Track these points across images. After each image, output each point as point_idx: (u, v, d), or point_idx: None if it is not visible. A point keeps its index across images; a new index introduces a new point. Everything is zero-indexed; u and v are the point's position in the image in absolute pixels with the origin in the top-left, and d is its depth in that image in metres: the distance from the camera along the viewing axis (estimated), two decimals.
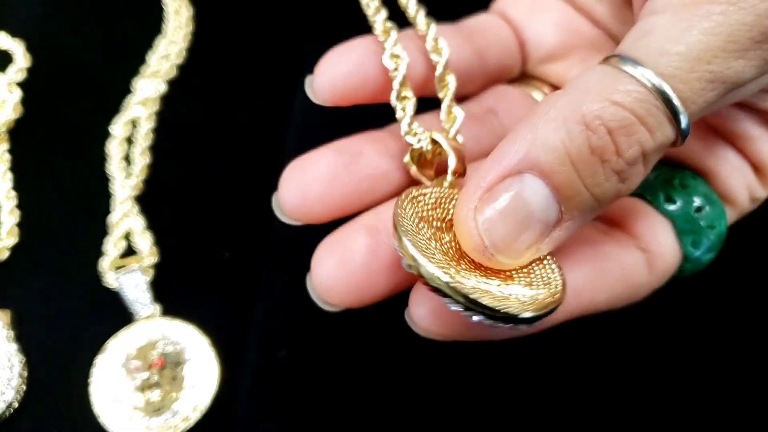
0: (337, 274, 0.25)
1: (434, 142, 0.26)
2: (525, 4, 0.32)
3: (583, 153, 0.21)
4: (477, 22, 0.31)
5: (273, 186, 0.27)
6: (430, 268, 0.22)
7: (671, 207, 0.27)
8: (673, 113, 0.22)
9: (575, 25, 0.31)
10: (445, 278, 0.22)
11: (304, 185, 0.26)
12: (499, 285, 0.23)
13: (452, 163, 0.26)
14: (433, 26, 0.29)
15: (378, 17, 0.28)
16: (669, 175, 0.28)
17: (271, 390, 0.33)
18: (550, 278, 0.23)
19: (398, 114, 0.27)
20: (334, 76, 0.26)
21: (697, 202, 0.27)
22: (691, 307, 0.34)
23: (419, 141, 0.26)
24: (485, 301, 0.21)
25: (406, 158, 0.27)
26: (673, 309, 0.34)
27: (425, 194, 0.25)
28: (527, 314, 0.22)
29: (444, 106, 0.28)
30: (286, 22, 0.43)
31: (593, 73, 0.22)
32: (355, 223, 0.26)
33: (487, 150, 0.24)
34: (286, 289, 0.35)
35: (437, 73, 0.28)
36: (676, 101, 0.21)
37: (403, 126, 0.27)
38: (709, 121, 0.28)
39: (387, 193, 0.27)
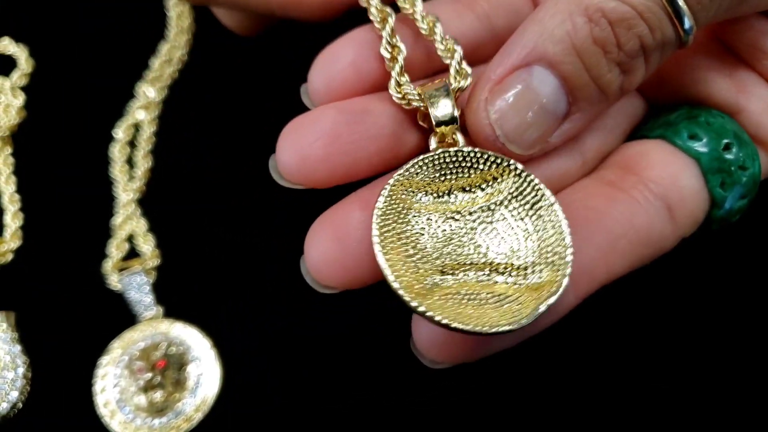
0: (332, 253, 0.23)
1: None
2: None
3: (587, 44, 0.22)
4: None
5: (278, 191, 0.26)
6: (403, 294, 0.22)
7: (696, 145, 0.25)
8: (676, 12, 0.22)
9: None
10: (419, 307, 0.21)
11: (304, 145, 0.23)
12: (488, 277, 0.23)
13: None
14: (419, 3, 0.26)
15: (373, 1, 0.26)
16: (692, 113, 0.26)
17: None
18: (554, 263, 0.23)
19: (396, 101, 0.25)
20: (328, 78, 0.25)
21: (726, 139, 0.25)
22: (690, 304, 0.35)
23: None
24: (456, 325, 0.21)
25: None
26: (672, 307, 0.34)
27: (429, 161, 0.24)
28: (503, 327, 0.21)
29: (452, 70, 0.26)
30: (289, 23, 0.43)
31: None
32: (349, 199, 0.24)
33: None
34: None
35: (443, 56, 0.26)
36: (680, 2, 0.22)
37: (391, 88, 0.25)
38: (737, 43, 0.26)
39: (398, 155, 0.25)
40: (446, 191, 0.24)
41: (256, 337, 0.34)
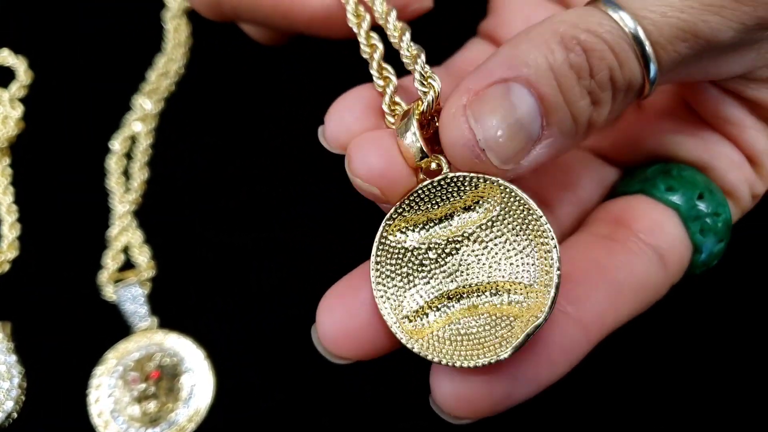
0: (344, 325, 0.23)
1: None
2: (516, 23, 0.31)
3: (564, 67, 0.22)
4: (465, 57, 0.31)
5: (272, 202, 0.26)
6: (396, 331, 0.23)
7: (673, 196, 0.27)
8: (644, 58, 0.23)
9: None
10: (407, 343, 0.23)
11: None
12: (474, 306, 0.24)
13: None
14: (423, 62, 0.27)
15: (374, 65, 0.27)
16: (665, 168, 0.28)
17: None
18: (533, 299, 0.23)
19: None
20: (347, 123, 0.25)
21: (698, 190, 0.27)
22: (691, 311, 0.35)
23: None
24: (438, 359, 0.22)
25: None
26: (672, 314, 0.34)
27: (414, 197, 0.24)
28: (480, 361, 0.22)
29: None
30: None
31: (574, 10, 0.23)
32: (359, 271, 0.25)
33: None
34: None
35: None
36: (647, 47, 0.22)
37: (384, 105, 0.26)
38: (701, 110, 0.27)
39: None
40: (438, 219, 0.25)
41: (250, 346, 0.35)
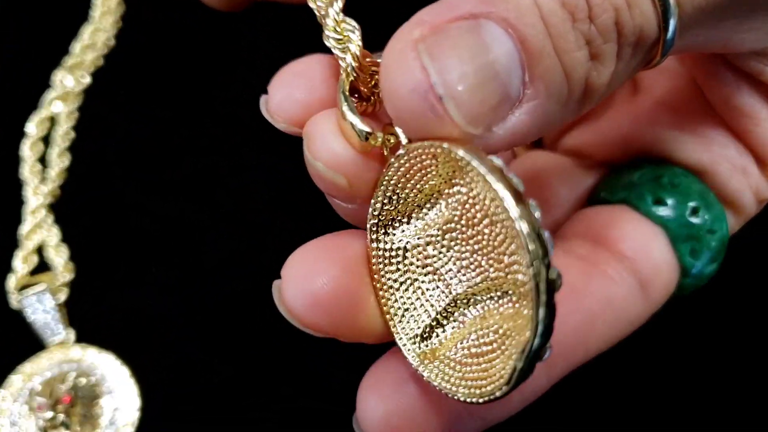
0: (318, 288, 0.19)
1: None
2: None
3: (554, 4, 0.17)
4: None
5: (219, 173, 0.24)
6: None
7: (662, 211, 0.23)
8: (665, 16, 0.18)
9: None
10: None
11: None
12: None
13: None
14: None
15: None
16: (656, 173, 0.24)
17: None
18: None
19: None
20: (298, 93, 0.21)
21: (692, 202, 0.23)
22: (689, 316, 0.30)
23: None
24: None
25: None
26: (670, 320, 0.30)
27: (391, 182, 0.19)
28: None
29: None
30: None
31: None
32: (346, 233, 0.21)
33: None
34: None
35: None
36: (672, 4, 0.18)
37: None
38: (712, 95, 0.24)
39: None
40: (426, 204, 0.19)
41: (193, 320, 0.31)
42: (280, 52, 0.35)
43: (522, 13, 0.17)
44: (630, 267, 0.23)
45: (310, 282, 0.19)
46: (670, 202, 0.23)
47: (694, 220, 0.23)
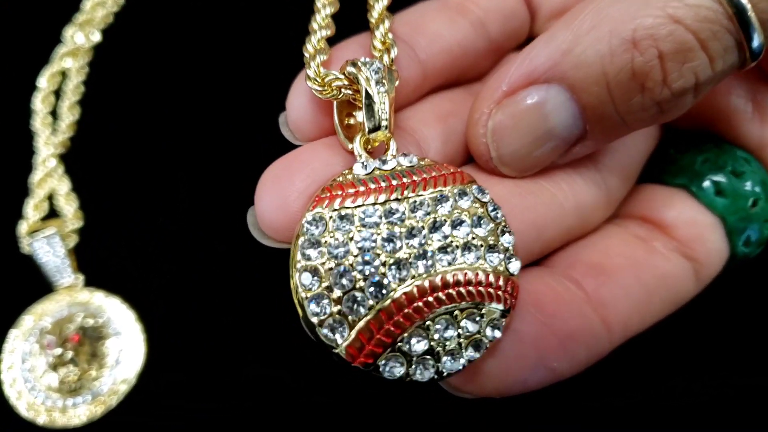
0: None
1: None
2: None
3: (623, 76, 0.18)
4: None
5: (215, 151, 0.25)
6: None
7: (722, 203, 0.23)
8: (746, 31, 0.18)
9: None
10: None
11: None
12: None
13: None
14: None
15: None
16: (719, 160, 0.24)
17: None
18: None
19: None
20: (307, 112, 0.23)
21: (753, 195, 0.23)
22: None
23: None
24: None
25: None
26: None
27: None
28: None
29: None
30: None
31: None
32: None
33: None
34: None
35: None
36: (750, 14, 0.18)
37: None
38: None
39: None
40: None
41: (188, 304, 0.31)
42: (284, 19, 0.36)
43: (588, 82, 0.18)
44: (687, 254, 0.24)
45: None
46: (730, 194, 0.23)
47: (754, 210, 0.23)
